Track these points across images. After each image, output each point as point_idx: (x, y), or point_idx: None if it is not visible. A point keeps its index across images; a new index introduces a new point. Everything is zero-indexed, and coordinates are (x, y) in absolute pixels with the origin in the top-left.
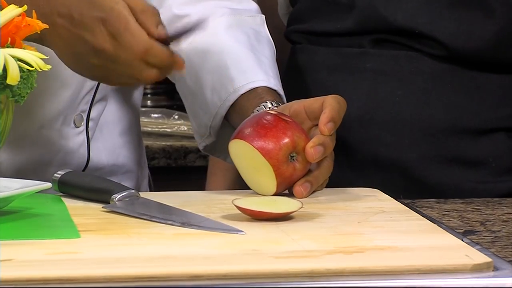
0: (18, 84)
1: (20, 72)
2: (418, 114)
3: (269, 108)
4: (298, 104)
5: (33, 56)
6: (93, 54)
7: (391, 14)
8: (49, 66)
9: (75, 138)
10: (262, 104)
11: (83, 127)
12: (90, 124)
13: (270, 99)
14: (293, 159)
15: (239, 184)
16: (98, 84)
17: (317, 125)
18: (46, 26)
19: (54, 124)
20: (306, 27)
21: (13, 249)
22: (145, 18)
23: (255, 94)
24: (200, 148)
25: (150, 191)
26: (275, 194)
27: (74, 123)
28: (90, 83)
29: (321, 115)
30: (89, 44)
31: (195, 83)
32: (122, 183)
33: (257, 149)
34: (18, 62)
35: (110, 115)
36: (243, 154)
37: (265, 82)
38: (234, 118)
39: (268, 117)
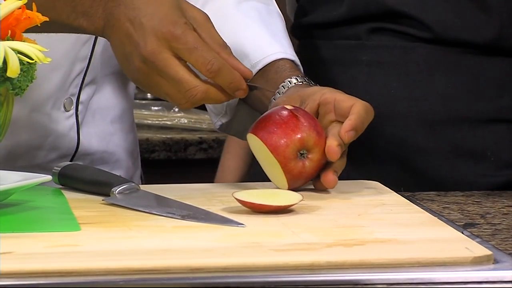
0: (18, 77)
1: (20, 65)
2: (415, 105)
3: (294, 84)
4: (330, 94)
5: (33, 49)
6: (139, 58)
7: None
8: (49, 59)
9: (65, 122)
10: (287, 80)
11: (72, 111)
12: (80, 107)
13: (294, 75)
14: (303, 157)
15: (252, 174)
16: (88, 67)
17: (339, 121)
18: (46, 18)
19: (44, 108)
20: (306, 20)
21: (13, 242)
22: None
23: (276, 69)
24: (216, 127)
25: (141, 183)
26: (292, 190)
27: (64, 107)
28: (80, 66)
29: (346, 121)
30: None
31: None
32: (113, 172)
33: (265, 144)
34: (18, 55)
35: (104, 101)
36: (258, 148)
37: (282, 54)
38: (256, 93)
39: (281, 113)
